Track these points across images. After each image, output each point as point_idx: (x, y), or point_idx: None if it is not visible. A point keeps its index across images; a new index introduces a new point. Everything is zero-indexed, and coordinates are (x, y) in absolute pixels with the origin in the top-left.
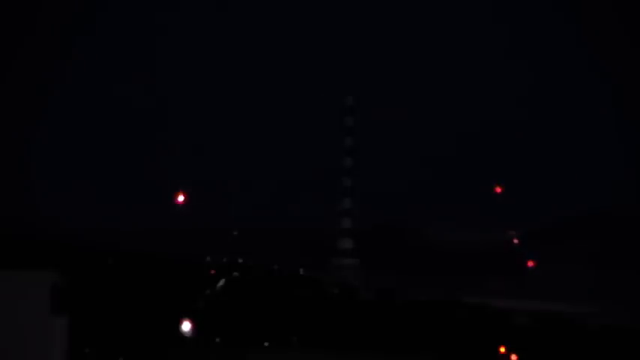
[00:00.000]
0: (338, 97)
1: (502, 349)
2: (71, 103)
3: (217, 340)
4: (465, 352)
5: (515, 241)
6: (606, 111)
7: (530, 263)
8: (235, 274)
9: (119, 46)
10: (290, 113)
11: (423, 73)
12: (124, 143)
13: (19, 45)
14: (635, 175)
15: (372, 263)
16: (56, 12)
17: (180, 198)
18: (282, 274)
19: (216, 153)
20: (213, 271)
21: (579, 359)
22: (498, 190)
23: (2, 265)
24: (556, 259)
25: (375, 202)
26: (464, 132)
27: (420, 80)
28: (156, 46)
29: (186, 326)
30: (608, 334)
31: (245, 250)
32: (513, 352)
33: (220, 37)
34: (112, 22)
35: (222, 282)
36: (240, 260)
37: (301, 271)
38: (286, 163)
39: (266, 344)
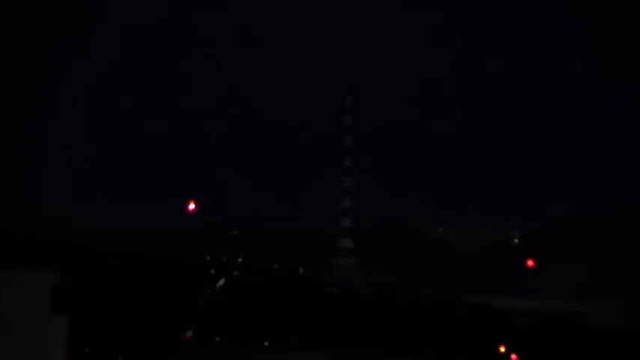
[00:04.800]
0: (338, 97)
1: (502, 349)
2: (75, 106)
3: (217, 339)
4: (465, 352)
5: (516, 241)
6: (605, 112)
7: (530, 263)
8: (235, 273)
9: (125, 50)
10: (290, 113)
11: (422, 72)
12: (123, 144)
13: (26, 44)
14: (634, 174)
15: (372, 263)
16: (60, 13)
17: (191, 206)
18: (282, 274)
19: (217, 153)
20: (213, 271)
21: (579, 359)
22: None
23: (2, 265)
24: (556, 258)
25: (375, 202)
26: (464, 133)
27: (420, 80)
28: (157, 49)
29: None
30: (608, 334)
31: (245, 250)
32: (513, 352)
33: (220, 38)
34: (113, 24)
35: (222, 282)
36: (240, 260)
37: (301, 271)
38: (286, 163)
39: (266, 344)
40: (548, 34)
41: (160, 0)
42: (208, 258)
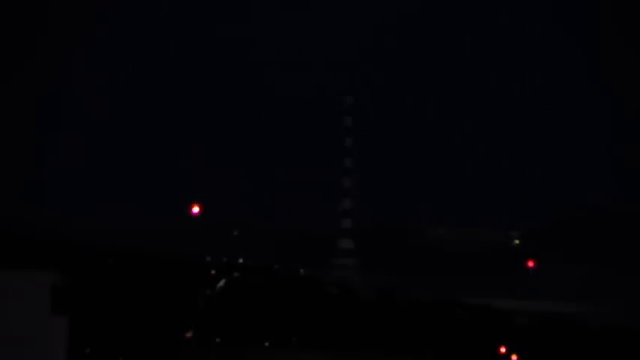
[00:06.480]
0: (338, 97)
1: (502, 349)
2: (76, 105)
3: (217, 340)
4: (466, 353)
5: (516, 241)
6: (606, 112)
7: (530, 263)
8: (236, 274)
9: (123, 50)
10: (290, 113)
11: (422, 72)
12: (123, 144)
13: (28, 45)
14: (634, 174)
15: (372, 263)
16: (60, 16)
17: (195, 209)
18: (282, 274)
19: (217, 153)
20: (213, 272)
21: (579, 359)
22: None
23: (2, 265)
24: (556, 259)
25: (375, 202)
26: (464, 133)
27: (419, 80)
28: (154, 47)
29: None
30: (608, 334)
31: (245, 251)
32: (514, 353)
33: (220, 37)
34: (117, 25)
35: (222, 282)
36: (240, 260)
37: (301, 271)
38: (286, 163)
39: (266, 345)
40: (550, 33)
41: None
42: (209, 258)
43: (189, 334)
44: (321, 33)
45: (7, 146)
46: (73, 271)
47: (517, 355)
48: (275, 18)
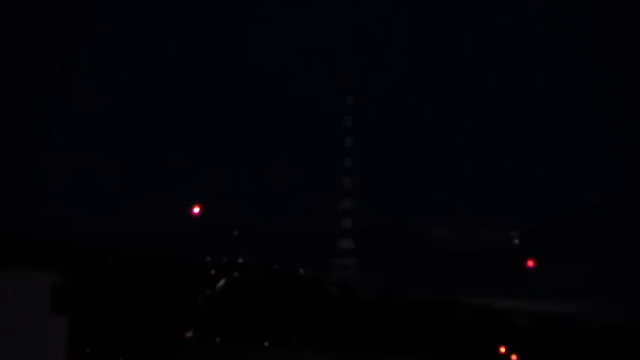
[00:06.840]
0: (338, 97)
1: (502, 349)
2: (75, 106)
3: (217, 340)
4: (465, 353)
5: (516, 241)
6: (606, 112)
7: (530, 263)
8: (235, 274)
9: (123, 50)
10: (290, 113)
11: (422, 72)
12: (123, 144)
13: (29, 46)
14: (634, 175)
15: (372, 263)
16: (61, 17)
17: (196, 210)
18: (282, 274)
19: (217, 153)
20: (213, 272)
21: (579, 359)
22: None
23: (2, 265)
24: (556, 259)
25: (375, 202)
26: (465, 133)
27: (420, 81)
28: (155, 48)
29: None
30: (608, 334)
31: (245, 251)
32: (513, 352)
33: (220, 38)
34: (116, 26)
35: (222, 282)
36: (240, 260)
37: (301, 271)
38: (286, 163)
39: (266, 345)
40: (550, 33)
41: None
42: (208, 258)
43: (189, 334)
44: (321, 33)
45: (7, 146)
46: (73, 271)
47: (517, 355)
48: (275, 18)
